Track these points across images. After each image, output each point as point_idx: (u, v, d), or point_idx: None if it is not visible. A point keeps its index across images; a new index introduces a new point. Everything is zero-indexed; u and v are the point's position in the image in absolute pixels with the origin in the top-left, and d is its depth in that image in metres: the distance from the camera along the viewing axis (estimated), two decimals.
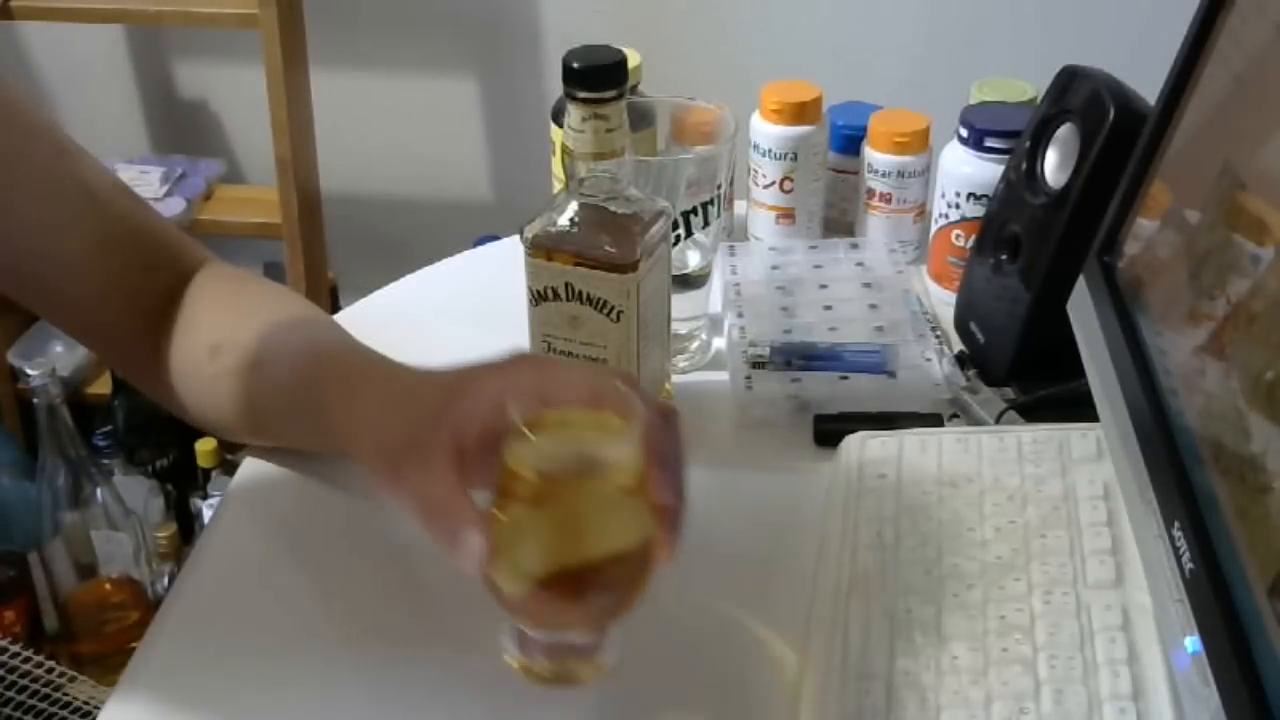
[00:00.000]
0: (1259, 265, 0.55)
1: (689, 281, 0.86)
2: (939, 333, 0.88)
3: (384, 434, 0.62)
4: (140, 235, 0.78)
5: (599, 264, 0.73)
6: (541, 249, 0.75)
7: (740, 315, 0.89)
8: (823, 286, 0.93)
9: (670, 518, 0.59)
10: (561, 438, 0.59)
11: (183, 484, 1.82)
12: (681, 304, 0.84)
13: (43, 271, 0.75)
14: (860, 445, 0.76)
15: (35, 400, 1.43)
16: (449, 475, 0.58)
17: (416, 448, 0.59)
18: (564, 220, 0.75)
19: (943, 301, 0.93)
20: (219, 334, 0.75)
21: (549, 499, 0.58)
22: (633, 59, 0.93)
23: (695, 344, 0.88)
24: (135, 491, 1.69)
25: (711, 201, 0.84)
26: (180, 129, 2.00)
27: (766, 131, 0.96)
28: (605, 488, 0.58)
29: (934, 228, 0.94)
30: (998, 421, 0.80)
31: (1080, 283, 0.72)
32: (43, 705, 1.11)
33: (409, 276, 1.01)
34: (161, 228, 0.80)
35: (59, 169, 0.74)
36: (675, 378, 0.84)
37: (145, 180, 1.81)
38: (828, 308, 0.90)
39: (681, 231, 0.83)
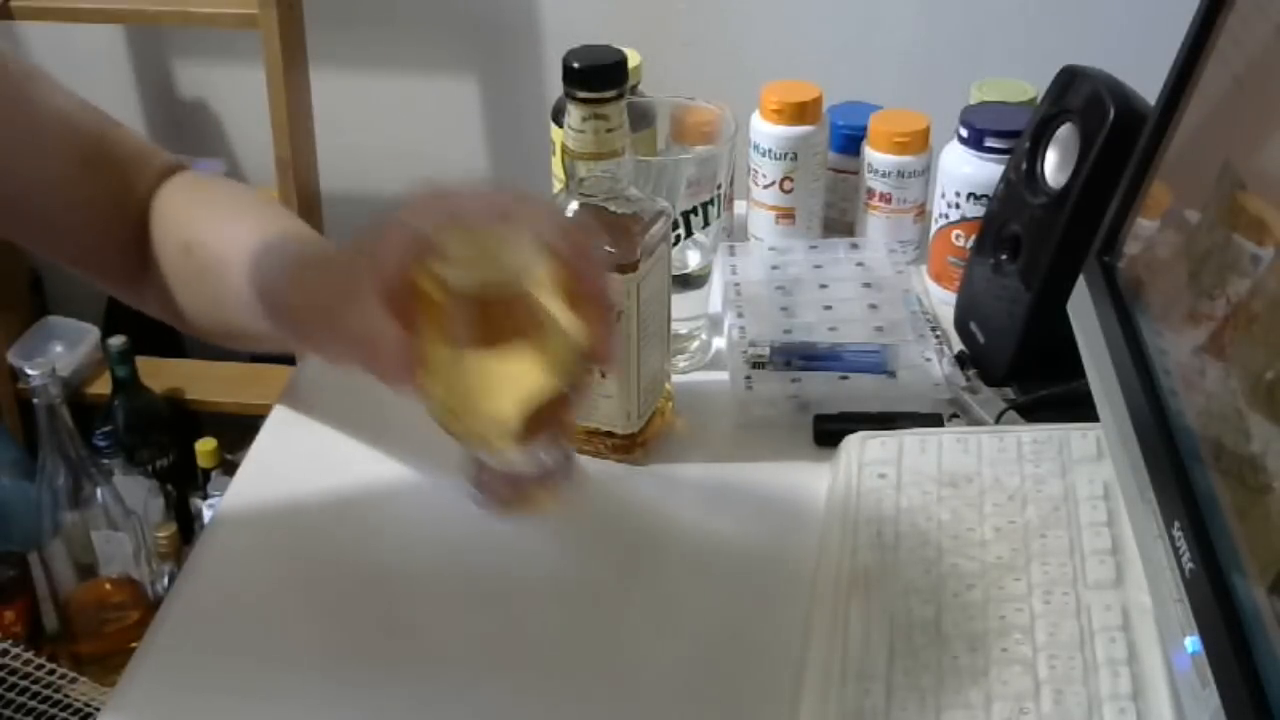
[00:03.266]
0: (1259, 265, 0.55)
1: (689, 281, 0.86)
2: (939, 333, 0.88)
3: (316, 296, 0.62)
4: (116, 149, 0.78)
5: None
6: None
7: (740, 315, 0.89)
8: (823, 286, 0.93)
9: (601, 314, 0.57)
10: (481, 256, 0.56)
11: (183, 484, 1.82)
12: (681, 304, 0.84)
13: (30, 199, 0.74)
14: (860, 445, 0.76)
15: (35, 400, 1.43)
16: (382, 308, 0.56)
17: (347, 293, 0.58)
18: None
19: (943, 301, 0.93)
20: (189, 233, 0.74)
21: (484, 323, 0.56)
22: (633, 59, 0.93)
23: (695, 344, 0.88)
24: (135, 491, 1.68)
25: (711, 201, 0.84)
26: (180, 129, 2.00)
27: (766, 131, 0.96)
28: (537, 303, 0.56)
29: (934, 228, 0.94)
30: (998, 421, 0.80)
31: (1080, 283, 0.72)
32: (43, 706, 1.11)
33: None
34: (133, 139, 0.79)
35: (30, 94, 0.74)
36: (675, 378, 0.84)
37: None
38: (828, 308, 0.90)
39: (681, 231, 0.83)
